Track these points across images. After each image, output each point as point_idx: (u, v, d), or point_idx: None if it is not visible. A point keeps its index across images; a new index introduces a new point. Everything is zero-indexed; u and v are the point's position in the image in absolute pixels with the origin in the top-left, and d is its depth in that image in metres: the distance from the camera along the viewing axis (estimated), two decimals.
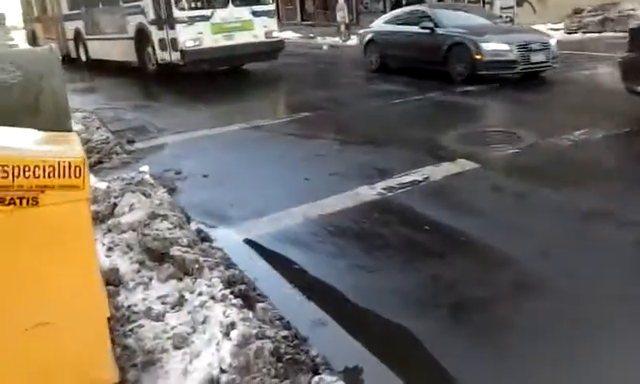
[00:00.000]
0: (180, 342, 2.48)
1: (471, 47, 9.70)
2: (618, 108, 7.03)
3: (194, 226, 4.09)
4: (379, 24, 12.67)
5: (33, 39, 21.54)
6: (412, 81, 10.48)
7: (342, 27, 20.86)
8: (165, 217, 3.71)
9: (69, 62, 16.68)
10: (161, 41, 12.13)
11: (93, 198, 4.18)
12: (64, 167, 1.91)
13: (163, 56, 12.20)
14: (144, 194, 4.17)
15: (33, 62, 2.41)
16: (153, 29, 12.27)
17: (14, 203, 1.86)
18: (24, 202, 1.88)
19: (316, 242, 3.94)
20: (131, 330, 2.56)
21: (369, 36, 12.65)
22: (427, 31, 10.69)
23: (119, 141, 6.72)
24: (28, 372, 2.02)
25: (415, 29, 10.99)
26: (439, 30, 10.50)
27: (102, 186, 4.43)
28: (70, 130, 2.42)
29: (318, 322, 2.95)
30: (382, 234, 4.00)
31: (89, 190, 1.99)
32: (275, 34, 12.91)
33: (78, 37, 16.64)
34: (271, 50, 12.86)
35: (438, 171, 5.10)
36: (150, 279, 3.06)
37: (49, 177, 1.89)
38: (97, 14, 15.03)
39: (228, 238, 3.99)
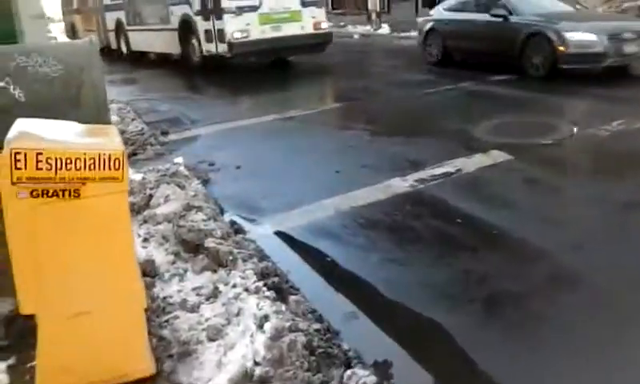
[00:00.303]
0: (214, 334, 2.52)
1: (553, 37, 8.52)
2: None
3: (227, 217, 4.14)
4: (440, 11, 11.53)
5: (72, 31, 21.47)
6: (481, 75, 9.46)
7: (374, 15, 20.68)
8: (199, 208, 3.77)
9: (109, 53, 16.69)
10: (207, 32, 11.75)
11: (129, 189, 4.27)
12: (104, 160, 1.96)
13: (209, 48, 11.79)
14: (178, 186, 4.24)
15: (73, 54, 2.46)
16: (198, 19, 11.87)
17: (57, 195, 1.92)
18: (66, 193, 1.94)
19: (347, 235, 3.94)
20: (167, 322, 2.61)
21: (429, 25, 11.52)
22: (499, 19, 9.51)
23: (153, 132, 6.83)
24: (69, 360, 2.09)
25: (485, 17, 9.86)
26: (514, 18, 9.32)
27: (138, 177, 4.52)
28: (109, 123, 2.47)
29: (350, 315, 2.95)
30: (414, 227, 3.98)
31: (127, 182, 2.03)
32: (324, 26, 12.27)
33: (118, 28, 16.28)
34: (319, 42, 12.26)
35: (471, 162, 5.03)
36: (185, 271, 3.12)
37: (90, 169, 1.94)
38: (139, 4, 14.73)
39: (261, 230, 4.02)
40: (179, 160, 5.20)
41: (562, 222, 3.90)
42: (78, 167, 1.91)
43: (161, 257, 3.30)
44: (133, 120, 7.46)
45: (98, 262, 2.08)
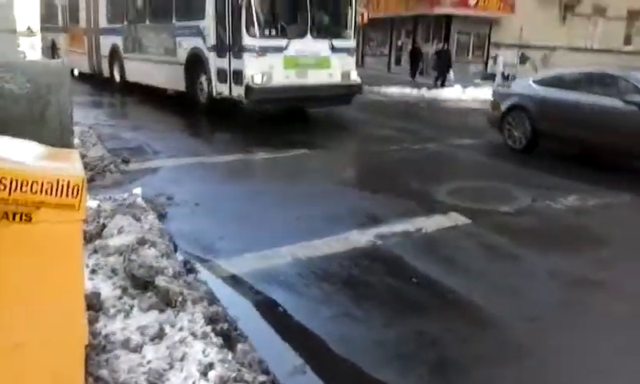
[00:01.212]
0: (155, 379, 2.41)
1: None
2: None
3: (180, 255, 4.04)
4: (528, 85, 9.06)
5: (52, 49, 19.84)
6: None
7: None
8: (153, 243, 3.67)
9: (101, 81, 15.73)
10: (220, 71, 10.38)
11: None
12: (62, 185, 1.89)
13: (221, 89, 10.42)
14: (134, 218, 4.13)
15: (43, 73, 2.40)
16: (211, 56, 10.51)
17: (7, 218, 1.83)
18: (17, 216, 1.85)
19: (302, 285, 3.89)
20: (106, 361, 2.48)
21: (510, 101, 9.04)
22: (634, 108, 7.35)
23: (114, 159, 6.69)
24: None
25: (613, 101, 7.62)
26: None
27: (93, 204, 4.38)
28: (71, 146, 2.41)
29: (298, 369, 2.89)
30: (370, 283, 3.97)
31: (84, 211, 1.96)
32: (353, 76, 10.96)
33: (114, 54, 14.84)
34: (346, 93, 11.00)
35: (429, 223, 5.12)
36: (132, 307, 3.00)
37: (46, 194, 1.86)
38: (140, 31, 13.37)
39: (214, 272, 3.94)
40: (137, 191, 5.08)
41: (516, 291, 3.97)
42: (33, 190, 1.83)
43: (108, 290, 3.16)
44: (94, 145, 7.30)
45: (42, 291, 1.97)
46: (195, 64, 11.15)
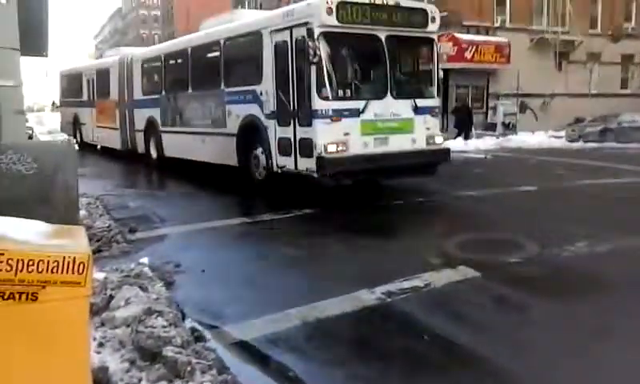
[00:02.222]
0: None
1: None
2: None
3: (188, 323, 4.00)
4: None
5: (74, 125, 18.94)
6: None
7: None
8: (160, 313, 3.65)
9: (134, 158, 14.70)
10: (282, 141, 8.87)
11: None
12: (68, 263, 1.92)
13: (283, 162, 8.88)
14: (141, 288, 4.12)
15: (49, 153, 2.47)
16: (271, 124, 9.11)
17: (13, 298, 1.84)
18: (23, 296, 1.86)
19: (312, 349, 3.83)
20: None
21: None
22: None
23: (121, 229, 6.74)
24: None
25: None
26: None
27: (100, 276, 4.39)
28: (77, 223, 2.44)
29: None
30: (381, 343, 3.90)
31: (90, 287, 1.97)
32: (439, 141, 9.36)
33: (150, 128, 13.62)
34: (432, 161, 9.28)
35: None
36: (140, 380, 2.95)
37: (52, 272, 1.88)
38: (181, 101, 12.20)
39: (223, 339, 3.89)
40: (144, 260, 5.10)
41: (529, 344, 3.88)
42: (39, 269, 1.85)
43: (115, 364, 3.13)
44: (101, 215, 7.37)
45: (49, 369, 1.96)
46: (250, 135, 9.75)
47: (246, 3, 52.76)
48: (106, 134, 16.55)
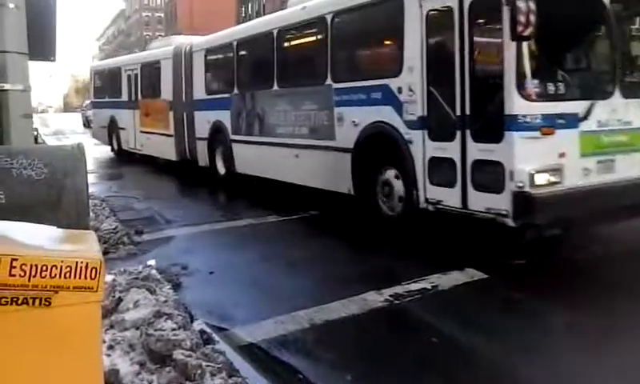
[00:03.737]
0: None
1: None
2: None
3: (197, 326, 4.00)
4: None
5: (109, 129, 16.14)
6: None
7: None
8: (169, 316, 3.65)
9: (191, 171, 12.03)
10: (438, 163, 5.90)
11: None
12: (81, 268, 1.92)
13: (437, 195, 5.91)
14: (149, 290, 4.13)
15: (60, 158, 2.48)
16: (416, 136, 6.14)
17: (27, 303, 1.85)
18: (37, 301, 1.87)
19: (321, 351, 3.83)
20: None
21: None
22: None
23: (127, 231, 6.76)
24: None
25: None
26: None
27: (108, 278, 4.40)
28: (88, 228, 2.45)
29: None
30: (389, 345, 3.90)
31: (102, 292, 1.98)
32: None
33: (216, 136, 10.66)
34: None
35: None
36: (151, 383, 2.96)
37: (65, 277, 1.89)
38: (263, 100, 9.13)
39: (232, 341, 3.89)
40: (152, 262, 5.11)
41: (538, 348, 3.87)
42: (52, 275, 1.86)
43: (125, 367, 3.14)
44: (107, 217, 7.39)
45: (61, 374, 1.97)
46: (376, 151, 6.81)
47: (249, 5, 52.90)
48: (155, 142, 13.46)
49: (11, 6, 3.32)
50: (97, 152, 16.99)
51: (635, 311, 4.33)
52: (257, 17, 41.59)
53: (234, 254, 6.37)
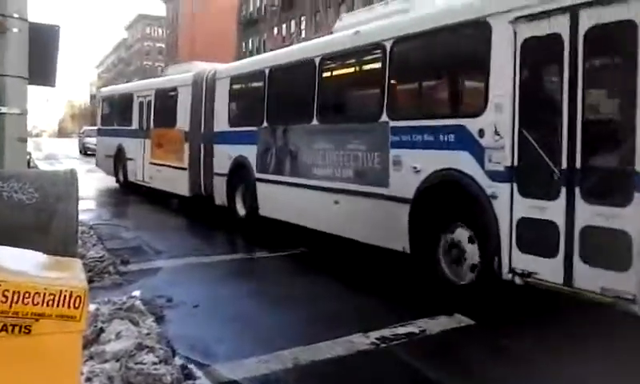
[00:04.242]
0: None
1: None
2: None
3: (179, 360, 3.93)
4: None
5: (115, 159, 14.94)
6: None
7: None
8: (151, 349, 3.59)
9: (204, 210, 11.02)
10: (531, 226, 4.85)
11: None
12: (64, 296, 1.89)
13: (531, 265, 4.83)
14: (132, 322, 4.06)
15: (52, 183, 2.47)
16: (501, 190, 5.07)
17: (6, 330, 1.81)
18: (16, 329, 1.83)
19: None
20: None
21: None
22: None
23: (113, 260, 6.69)
24: None
25: None
26: None
27: (91, 308, 4.32)
28: (75, 255, 2.42)
29: None
30: None
31: (85, 322, 1.94)
32: None
33: (238, 173, 9.52)
34: None
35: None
36: None
37: (47, 305, 1.86)
38: (298, 136, 8.00)
39: (213, 378, 3.81)
40: (136, 293, 5.04)
41: None
42: (35, 302, 1.83)
43: None
44: (94, 245, 7.32)
45: None
46: (443, 204, 5.73)
47: (250, 40, 53.81)
48: (166, 175, 12.25)
49: (15, 30, 3.37)
50: (93, 180, 16.64)
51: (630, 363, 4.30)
52: (257, 53, 42.35)
53: (221, 287, 6.30)
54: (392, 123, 6.36)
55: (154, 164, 12.94)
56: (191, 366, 3.92)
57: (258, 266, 7.32)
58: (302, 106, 8.05)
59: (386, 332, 4.78)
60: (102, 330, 3.93)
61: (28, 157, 19.21)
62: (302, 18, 43.87)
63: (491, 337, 4.87)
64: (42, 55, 3.61)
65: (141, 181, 13.90)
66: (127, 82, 38.96)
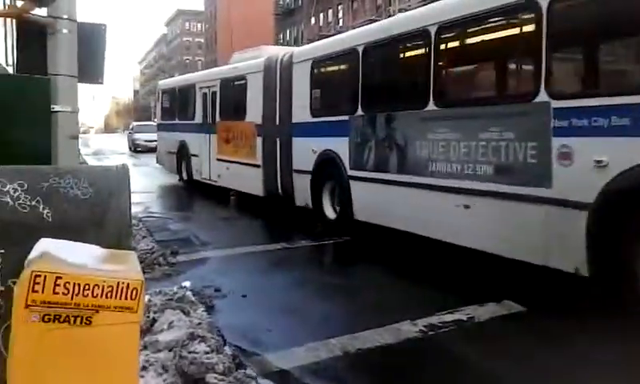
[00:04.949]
0: None
1: None
2: None
3: (229, 350, 3.99)
4: None
5: (177, 157, 14.16)
6: None
7: None
8: (203, 338, 3.66)
9: (281, 211, 10.03)
10: None
11: None
12: (122, 288, 1.94)
13: None
14: (184, 312, 4.15)
15: (104, 179, 2.53)
16: None
17: (69, 321, 1.87)
18: (78, 320, 1.89)
19: (354, 380, 3.76)
20: None
21: None
22: None
23: (163, 251, 6.85)
24: None
25: None
26: None
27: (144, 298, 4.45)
28: (130, 248, 2.49)
29: None
30: (424, 377, 3.80)
31: (142, 313, 1.99)
32: None
33: (325, 169, 8.32)
34: None
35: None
36: None
37: (106, 297, 1.91)
38: (407, 125, 6.67)
39: (263, 367, 3.86)
40: (187, 284, 5.15)
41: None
42: (95, 294, 1.89)
43: None
44: (144, 237, 7.52)
45: None
46: None
47: (287, 31, 53.94)
48: (235, 172, 11.31)
49: (65, 31, 3.48)
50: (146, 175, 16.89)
51: None
52: (295, 44, 42.31)
53: (268, 277, 6.37)
54: (555, 103, 4.86)
55: (222, 160, 11.93)
56: (242, 355, 3.98)
57: (301, 254, 7.35)
58: (412, 87, 6.92)
59: (434, 320, 4.73)
60: (154, 320, 4.04)
61: (78, 154, 19.95)
62: (340, 7, 43.59)
63: (541, 324, 4.73)
64: (90, 54, 3.72)
65: (207, 179, 12.91)
66: (173, 76, 39.07)
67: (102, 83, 3.98)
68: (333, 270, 6.67)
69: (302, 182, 8.93)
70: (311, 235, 8.22)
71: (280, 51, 10.33)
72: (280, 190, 9.72)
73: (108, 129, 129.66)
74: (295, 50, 9.79)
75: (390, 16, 23.78)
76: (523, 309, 5.01)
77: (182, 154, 14.11)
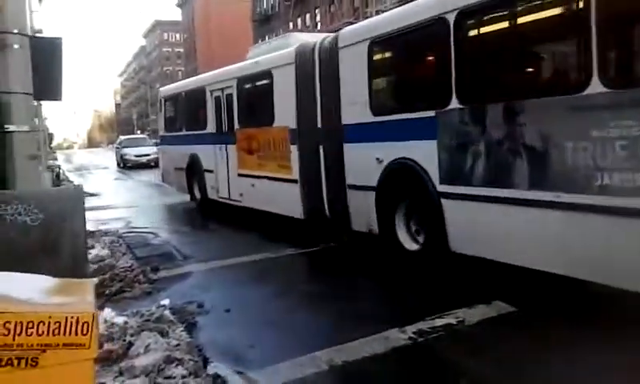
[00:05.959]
0: None
1: None
2: None
3: (211, 369, 3.82)
4: None
5: (188, 173, 11.99)
6: None
7: None
8: (180, 361, 3.49)
9: (322, 236, 8.06)
10: None
11: (108, 334, 4.02)
12: (71, 323, 1.76)
13: None
14: (161, 333, 3.97)
15: (57, 201, 2.37)
16: None
17: (12, 364, 1.69)
18: (22, 362, 1.71)
19: None
20: None
21: None
22: None
23: (143, 268, 6.64)
24: None
25: None
26: None
27: (120, 320, 4.26)
28: (86, 274, 2.31)
29: None
30: None
31: (96, 348, 1.81)
32: None
33: (396, 184, 6.39)
34: None
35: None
36: None
37: (53, 334, 1.73)
38: (540, 121, 4.55)
39: None
40: (165, 302, 4.96)
41: None
42: (40, 332, 1.71)
43: None
44: (123, 254, 7.30)
45: None
46: None
47: (267, 39, 53.75)
48: (265, 190, 9.16)
49: (15, 46, 3.28)
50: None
51: None
52: None
53: (250, 290, 6.19)
54: None
55: (245, 175, 9.64)
56: (224, 374, 3.80)
57: (283, 264, 7.16)
58: (544, 68, 5.14)
59: (423, 325, 4.58)
60: (131, 344, 3.86)
61: (58, 170, 19.44)
62: (317, 11, 43.50)
63: (532, 324, 4.61)
64: (45, 69, 3.51)
65: (226, 198, 10.55)
66: (154, 88, 38.12)
67: (60, 100, 3.77)
68: (315, 279, 6.50)
69: (361, 200, 6.95)
70: (292, 242, 8.03)
71: (310, 38, 8.52)
72: (327, 212, 7.74)
73: (92, 143, 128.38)
74: (340, 32, 7.56)
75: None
76: (513, 309, 4.89)
77: (193, 170, 11.79)
